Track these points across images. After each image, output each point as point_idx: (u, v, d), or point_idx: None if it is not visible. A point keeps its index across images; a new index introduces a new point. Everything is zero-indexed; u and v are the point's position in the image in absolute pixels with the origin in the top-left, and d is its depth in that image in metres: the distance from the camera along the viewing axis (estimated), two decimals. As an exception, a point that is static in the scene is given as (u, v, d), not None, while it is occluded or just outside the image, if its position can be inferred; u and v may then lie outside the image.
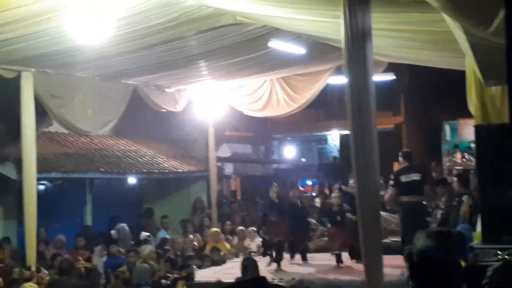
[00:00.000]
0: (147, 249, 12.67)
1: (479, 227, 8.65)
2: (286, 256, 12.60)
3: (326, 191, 20.30)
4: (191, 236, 15.50)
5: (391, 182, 12.43)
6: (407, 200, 12.03)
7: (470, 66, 8.34)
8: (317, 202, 17.84)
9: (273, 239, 12.31)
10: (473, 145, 13.46)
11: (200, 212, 17.71)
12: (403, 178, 12.20)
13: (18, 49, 10.38)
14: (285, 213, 12.57)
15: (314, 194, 18.79)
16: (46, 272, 10.83)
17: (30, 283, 9.99)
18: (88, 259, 12.71)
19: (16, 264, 11.10)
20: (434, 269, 3.55)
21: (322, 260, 12.42)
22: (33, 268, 10.80)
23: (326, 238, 14.03)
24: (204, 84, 15.16)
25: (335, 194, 12.73)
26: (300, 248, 12.77)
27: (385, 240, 11.87)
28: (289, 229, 12.33)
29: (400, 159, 12.71)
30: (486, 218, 8.03)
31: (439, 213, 11.48)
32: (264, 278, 2.11)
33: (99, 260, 12.93)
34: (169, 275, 11.04)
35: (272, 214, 12.96)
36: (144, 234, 14.81)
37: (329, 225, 13.64)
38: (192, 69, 13.45)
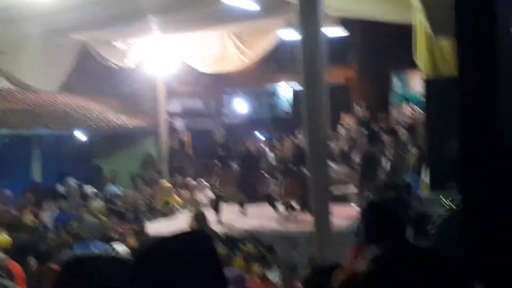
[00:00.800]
0: (96, 203, 12.63)
1: (426, 177, 8.86)
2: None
3: (277, 144, 20.43)
4: (141, 190, 15.51)
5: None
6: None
7: (419, 19, 8.42)
8: (269, 153, 17.93)
9: (223, 187, 12.37)
10: (421, 97, 13.68)
11: (150, 167, 17.67)
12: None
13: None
14: (237, 161, 12.61)
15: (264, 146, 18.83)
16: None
17: None
18: (37, 215, 12.61)
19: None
20: (385, 218, 3.65)
21: (272, 211, 12.54)
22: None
23: (277, 188, 14.20)
24: (155, 38, 14.97)
25: (288, 145, 12.80)
26: (252, 195, 12.87)
27: (335, 192, 12.09)
28: (242, 176, 12.38)
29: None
30: (434, 168, 8.22)
31: (387, 163, 11.69)
32: (205, 233, 2.12)
33: (48, 215, 12.83)
34: (119, 229, 11.02)
35: (222, 162, 12.93)
36: (91, 189, 14.77)
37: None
38: (141, 24, 13.25)
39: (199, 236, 2.00)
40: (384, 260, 1.76)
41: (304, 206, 11.71)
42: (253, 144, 14.34)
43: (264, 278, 7.93)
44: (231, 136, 13.48)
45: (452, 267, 1.72)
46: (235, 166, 12.68)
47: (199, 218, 10.48)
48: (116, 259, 2.15)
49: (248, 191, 12.68)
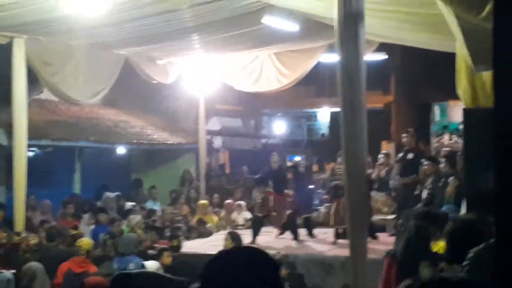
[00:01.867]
0: (136, 218, 12.76)
1: (464, 209, 8.76)
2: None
3: (315, 167, 20.39)
4: (181, 206, 15.61)
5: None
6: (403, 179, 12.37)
7: (460, 50, 8.40)
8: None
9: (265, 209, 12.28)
10: (461, 127, 13.56)
11: (188, 184, 17.79)
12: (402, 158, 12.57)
13: (10, 15, 10.37)
14: (287, 183, 12.49)
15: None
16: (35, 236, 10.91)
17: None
18: (75, 227, 12.77)
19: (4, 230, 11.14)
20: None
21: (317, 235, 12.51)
22: (23, 234, 10.88)
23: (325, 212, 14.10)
24: (196, 57, 15.16)
25: (339, 167, 12.64)
26: (303, 221, 12.77)
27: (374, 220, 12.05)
28: (293, 200, 12.29)
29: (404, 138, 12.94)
30: (471, 200, 8.14)
31: (425, 193, 11.60)
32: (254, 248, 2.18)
33: (86, 228, 12.99)
34: (156, 245, 11.10)
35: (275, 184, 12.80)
36: (129, 204, 14.90)
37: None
38: (184, 42, 13.45)
39: (256, 251, 2.06)
40: None
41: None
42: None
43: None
44: (268, 156, 13.38)
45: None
46: (285, 189, 12.54)
47: (233, 237, 10.51)
48: (161, 277, 2.23)
49: (302, 212, 12.58)
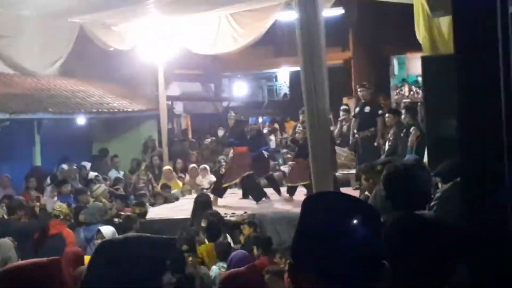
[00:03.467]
0: (101, 188, 12.68)
1: (425, 158, 8.87)
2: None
3: (277, 126, 20.49)
4: (144, 173, 15.57)
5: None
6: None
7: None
8: (272, 139, 18.00)
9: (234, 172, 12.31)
10: (420, 78, 13.68)
11: (151, 151, 17.71)
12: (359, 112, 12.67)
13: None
14: (246, 143, 12.52)
15: (265, 130, 18.87)
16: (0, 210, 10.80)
17: None
18: (38, 199, 12.66)
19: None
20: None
21: (273, 193, 12.54)
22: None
23: (283, 171, 14.22)
24: (152, 22, 14.95)
25: (299, 127, 12.69)
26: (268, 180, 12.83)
27: (336, 173, 12.11)
28: (253, 158, 12.31)
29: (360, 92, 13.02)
30: (432, 148, 8.22)
31: (387, 144, 11.73)
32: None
33: (49, 200, 12.87)
34: (121, 213, 11.06)
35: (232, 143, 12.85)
36: (92, 173, 14.82)
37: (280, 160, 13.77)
38: (139, 6, 13.24)
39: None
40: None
41: (309, 190, 11.64)
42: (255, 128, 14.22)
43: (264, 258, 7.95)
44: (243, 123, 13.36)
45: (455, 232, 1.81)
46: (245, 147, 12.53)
47: (202, 201, 10.52)
48: (145, 237, 2.20)
49: (259, 173, 12.59)
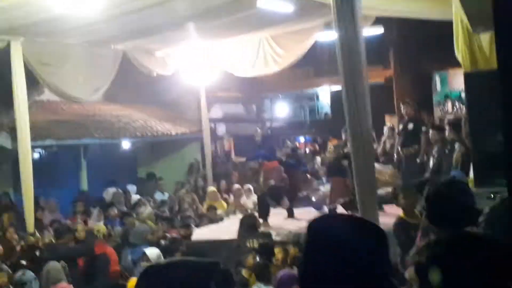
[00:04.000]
0: (147, 210, 12.83)
1: (471, 174, 8.79)
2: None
3: (316, 147, 20.46)
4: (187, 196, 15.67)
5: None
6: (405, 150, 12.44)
7: (457, 13, 8.39)
8: (317, 159, 17.93)
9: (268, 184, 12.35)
10: (463, 94, 13.57)
11: (196, 173, 17.85)
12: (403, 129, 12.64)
13: (5, 19, 10.37)
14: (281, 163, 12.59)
15: (307, 150, 18.86)
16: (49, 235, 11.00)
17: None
18: (85, 223, 12.82)
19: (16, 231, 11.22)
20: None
21: (315, 213, 12.50)
22: (37, 234, 10.96)
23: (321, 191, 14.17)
24: (193, 46, 15.13)
25: (330, 147, 12.69)
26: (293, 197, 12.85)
27: (379, 191, 12.03)
28: (289, 176, 12.34)
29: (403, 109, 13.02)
30: (478, 163, 8.15)
31: (432, 161, 11.63)
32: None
33: (96, 224, 13.03)
34: (168, 234, 11.15)
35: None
36: (135, 196, 14.98)
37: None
38: (180, 32, 13.41)
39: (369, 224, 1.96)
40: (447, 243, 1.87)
41: (347, 207, 11.60)
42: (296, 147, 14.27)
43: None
44: (273, 139, 13.48)
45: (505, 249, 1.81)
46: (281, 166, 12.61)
47: (248, 221, 10.52)
48: (189, 261, 2.23)
49: (293, 189, 12.62)
